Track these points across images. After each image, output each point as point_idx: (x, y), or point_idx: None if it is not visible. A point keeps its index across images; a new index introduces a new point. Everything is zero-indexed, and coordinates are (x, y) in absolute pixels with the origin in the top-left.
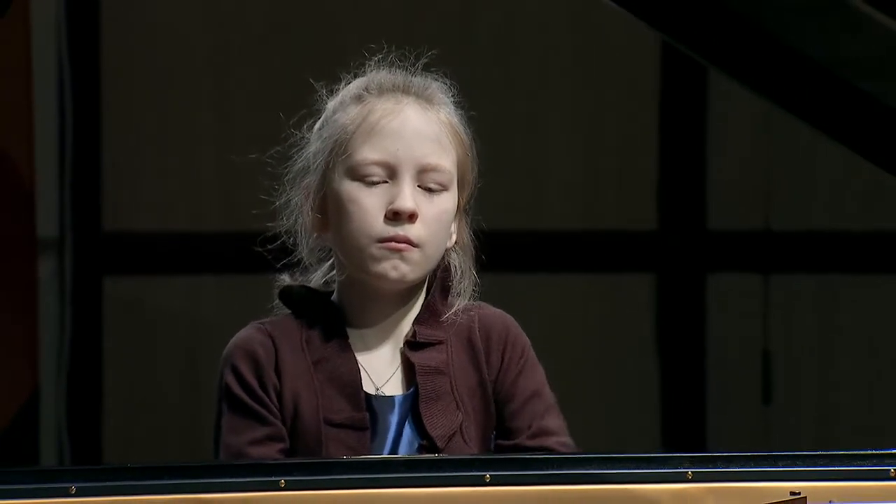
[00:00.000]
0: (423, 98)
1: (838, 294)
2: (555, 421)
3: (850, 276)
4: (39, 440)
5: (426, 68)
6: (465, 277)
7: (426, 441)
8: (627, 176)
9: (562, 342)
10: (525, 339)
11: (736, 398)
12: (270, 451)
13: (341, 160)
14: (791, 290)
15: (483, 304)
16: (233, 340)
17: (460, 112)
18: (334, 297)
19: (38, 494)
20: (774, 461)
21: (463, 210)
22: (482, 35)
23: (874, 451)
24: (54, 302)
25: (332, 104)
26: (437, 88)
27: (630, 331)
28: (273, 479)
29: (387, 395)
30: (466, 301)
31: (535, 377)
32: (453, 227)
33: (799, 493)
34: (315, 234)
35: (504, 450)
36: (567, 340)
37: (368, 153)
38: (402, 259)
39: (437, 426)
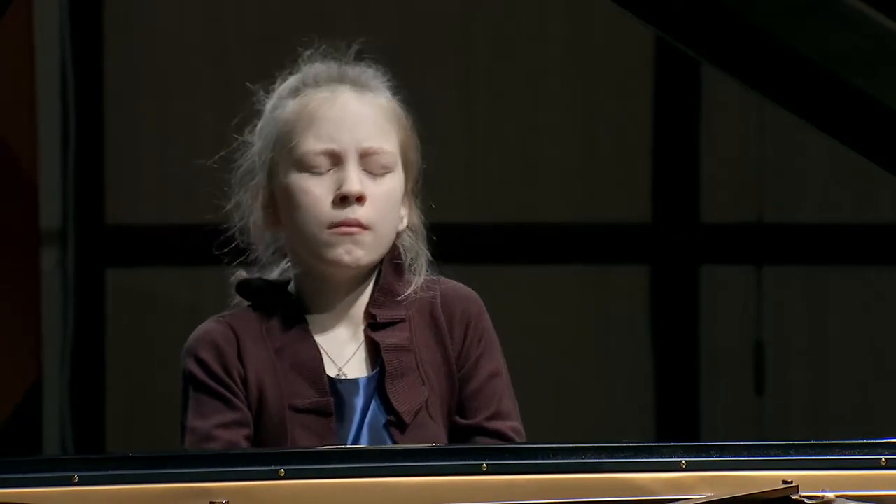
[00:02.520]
0: (359, 85)
1: (829, 286)
2: (511, 403)
3: (841, 267)
4: (42, 430)
5: (358, 56)
6: (419, 257)
7: (392, 416)
8: (622, 169)
9: (556, 333)
10: (486, 317)
11: (729, 388)
12: (237, 436)
13: (286, 153)
14: (783, 282)
15: (443, 278)
16: (193, 334)
17: (398, 97)
18: (291, 287)
19: (40, 483)
20: (767, 450)
21: (411, 193)
22: (480, 33)
23: (865, 441)
24: (57, 293)
25: (270, 103)
26: (372, 75)
27: (624, 322)
28: (272, 468)
29: (350, 377)
30: (424, 277)
31: (495, 355)
32: (403, 211)
33: (791, 482)
34: (268, 231)
35: (462, 429)
36: (561, 331)
37: (312, 144)
38: (355, 243)
39: (403, 402)
